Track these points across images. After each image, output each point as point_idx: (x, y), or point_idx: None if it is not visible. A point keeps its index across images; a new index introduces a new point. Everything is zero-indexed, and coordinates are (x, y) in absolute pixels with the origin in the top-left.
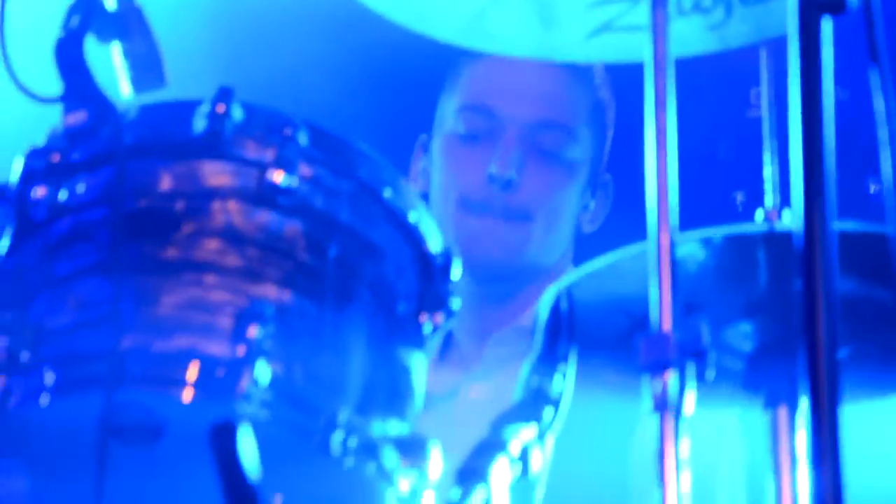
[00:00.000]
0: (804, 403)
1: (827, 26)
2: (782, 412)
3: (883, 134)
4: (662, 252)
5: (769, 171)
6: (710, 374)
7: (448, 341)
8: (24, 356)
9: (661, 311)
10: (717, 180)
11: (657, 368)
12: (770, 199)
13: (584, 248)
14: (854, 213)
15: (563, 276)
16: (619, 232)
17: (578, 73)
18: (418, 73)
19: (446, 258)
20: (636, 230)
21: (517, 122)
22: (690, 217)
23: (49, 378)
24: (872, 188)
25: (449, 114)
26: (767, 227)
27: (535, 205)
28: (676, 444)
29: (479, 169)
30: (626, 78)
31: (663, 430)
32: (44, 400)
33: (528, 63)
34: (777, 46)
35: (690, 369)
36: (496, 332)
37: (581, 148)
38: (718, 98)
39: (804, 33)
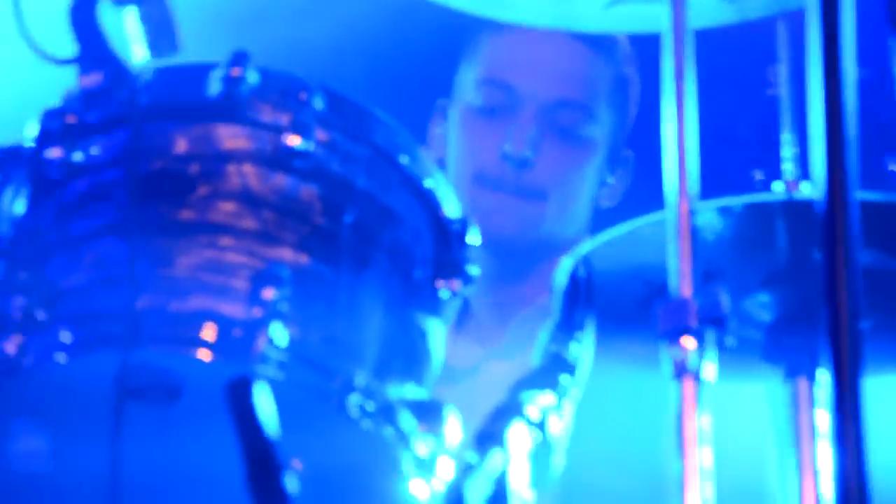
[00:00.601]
0: (825, 375)
1: None
2: (802, 384)
3: None
4: (682, 218)
5: (788, 150)
6: (730, 341)
7: (465, 313)
8: (41, 315)
9: (681, 278)
10: (734, 158)
11: (676, 335)
12: (789, 174)
13: (603, 220)
14: (872, 190)
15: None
16: (637, 205)
17: (601, 48)
18: (438, 38)
19: (463, 224)
20: (654, 203)
21: (535, 99)
22: (708, 194)
23: (65, 337)
24: (891, 166)
25: (468, 85)
26: (787, 197)
27: (550, 183)
28: (697, 412)
29: (494, 144)
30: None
31: (683, 397)
32: (60, 359)
33: (550, 38)
34: (794, 20)
35: (710, 336)
36: (522, 311)
37: (600, 127)
38: (735, 76)
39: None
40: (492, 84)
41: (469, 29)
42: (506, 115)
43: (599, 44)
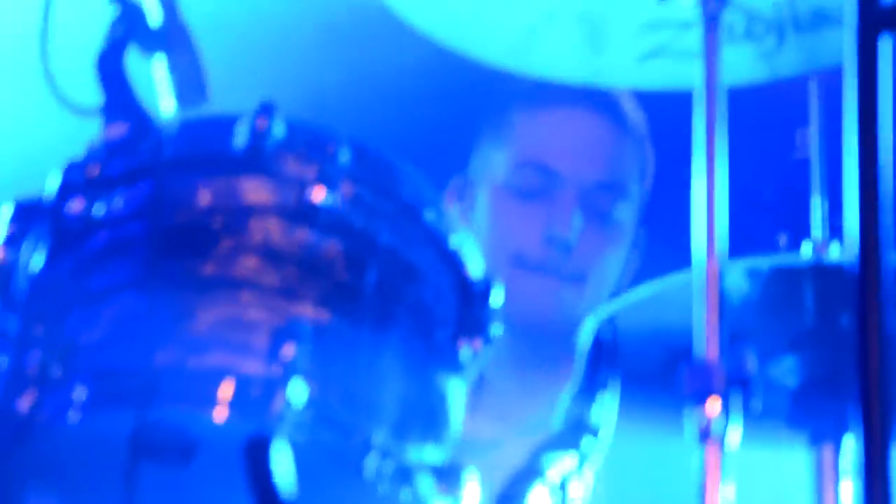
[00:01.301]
0: (850, 443)
1: (886, 46)
2: (827, 451)
3: None
4: (710, 278)
5: (817, 214)
6: (757, 404)
7: (482, 390)
8: (57, 371)
9: (707, 341)
10: (760, 220)
11: (701, 398)
12: (816, 237)
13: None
14: None
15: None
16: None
17: (630, 129)
18: (457, 112)
19: (486, 284)
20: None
21: (576, 181)
22: (733, 255)
23: (81, 393)
24: None
25: (499, 166)
26: (815, 260)
27: (589, 266)
28: (721, 478)
29: (535, 227)
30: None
31: (707, 462)
32: (74, 416)
33: (583, 118)
34: (828, 80)
35: (735, 400)
36: (544, 389)
37: (631, 206)
38: (763, 139)
39: (862, 52)
40: (530, 166)
41: (493, 106)
42: (545, 197)
43: (625, 121)
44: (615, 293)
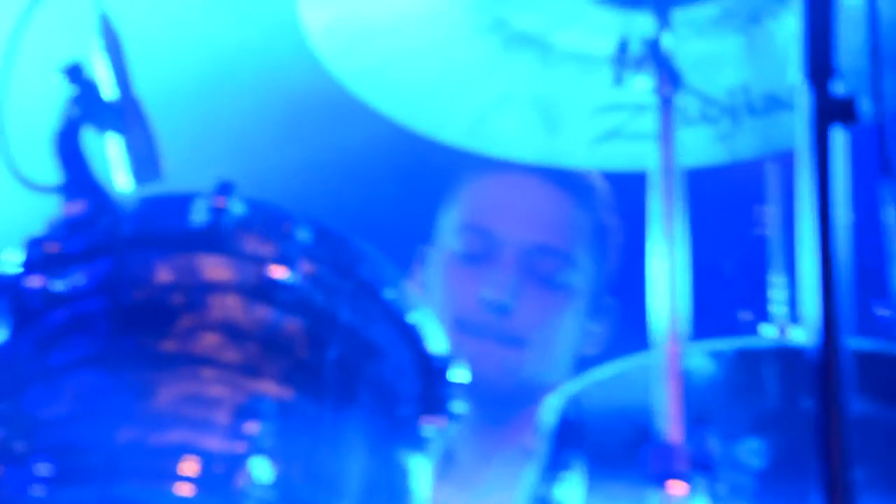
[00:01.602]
0: None
1: (838, 137)
2: None
3: (893, 248)
4: (671, 361)
5: (778, 292)
6: (722, 488)
7: (449, 460)
8: (19, 447)
9: (670, 422)
10: (722, 298)
11: (664, 479)
12: (779, 316)
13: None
14: (860, 334)
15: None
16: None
17: (581, 195)
18: (420, 183)
19: (447, 361)
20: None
21: (515, 244)
22: (695, 333)
23: (43, 469)
24: (878, 311)
25: (448, 231)
26: (778, 342)
27: (529, 330)
28: None
29: (474, 290)
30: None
31: None
32: (38, 491)
33: (530, 184)
34: (785, 161)
35: (699, 482)
36: (500, 453)
37: (580, 274)
38: (722, 215)
39: (817, 143)
40: (471, 230)
41: (448, 174)
42: (485, 261)
43: (579, 190)
44: (578, 363)
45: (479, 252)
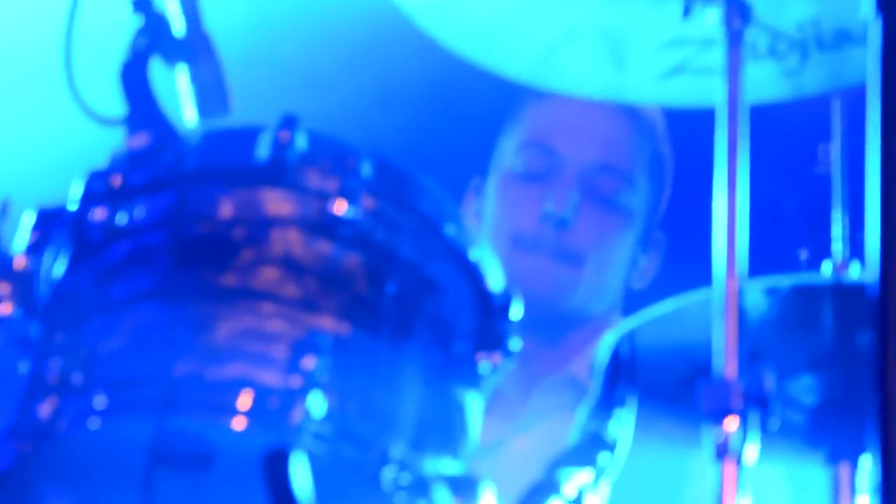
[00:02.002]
0: (867, 462)
1: None
2: (844, 470)
3: None
4: (729, 298)
5: (837, 229)
6: (774, 424)
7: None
8: (77, 378)
9: (725, 358)
10: (781, 236)
11: (719, 415)
12: (837, 254)
13: (632, 304)
14: None
15: (610, 326)
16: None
17: (641, 122)
18: (477, 115)
19: (506, 297)
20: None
21: (577, 162)
22: (753, 271)
23: (100, 402)
24: None
25: (508, 151)
26: (835, 279)
27: (587, 248)
28: (737, 494)
29: (534, 207)
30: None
31: (723, 479)
32: (94, 423)
33: (593, 106)
34: (851, 98)
35: (753, 418)
36: (542, 381)
37: (638, 197)
38: (784, 154)
39: (886, 73)
40: (533, 147)
41: (509, 102)
42: (547, 179)
43: (640, 117)
44: (626, 292)
45: (541, 170)
